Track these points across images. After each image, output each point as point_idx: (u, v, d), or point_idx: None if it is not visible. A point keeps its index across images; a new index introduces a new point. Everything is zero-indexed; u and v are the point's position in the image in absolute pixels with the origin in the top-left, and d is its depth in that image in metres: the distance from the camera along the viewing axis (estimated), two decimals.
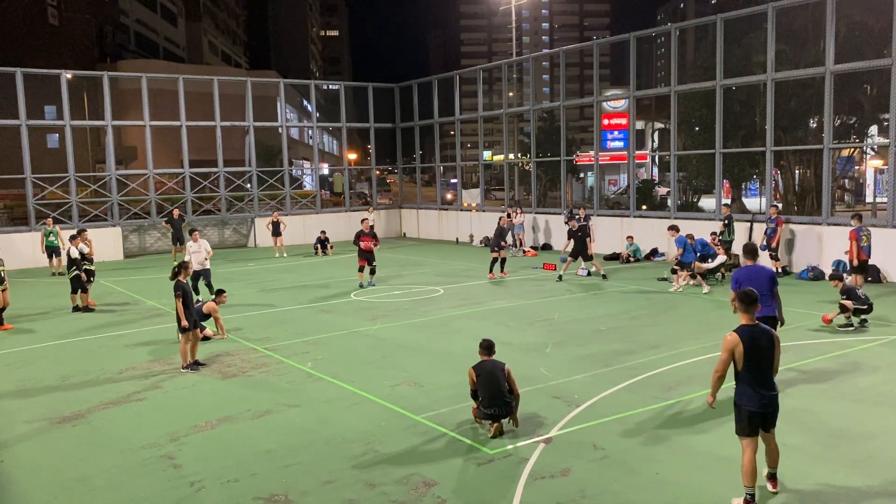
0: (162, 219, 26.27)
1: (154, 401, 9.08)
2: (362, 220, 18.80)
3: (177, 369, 10.43)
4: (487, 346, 7.66)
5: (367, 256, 17.52)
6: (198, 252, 15.74)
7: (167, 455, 7.22)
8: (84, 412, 8.67)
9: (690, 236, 16.69)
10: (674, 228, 16.84)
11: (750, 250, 8.73)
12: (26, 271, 23.12)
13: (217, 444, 7.50)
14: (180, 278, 10.47)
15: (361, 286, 17.61)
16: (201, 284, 15.90)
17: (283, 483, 6.48)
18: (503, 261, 18.84)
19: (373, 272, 17.91)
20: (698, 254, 16.65)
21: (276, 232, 25.33)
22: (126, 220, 26.91)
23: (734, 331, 5.75)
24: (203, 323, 12.16)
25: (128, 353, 11.60)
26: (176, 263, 10.86)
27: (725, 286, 16.64)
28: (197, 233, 16.20)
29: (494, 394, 7.37)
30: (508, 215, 22.37)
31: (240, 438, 7.64)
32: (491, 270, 18.74)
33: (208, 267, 15.98)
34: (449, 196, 38.66)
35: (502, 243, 18.89)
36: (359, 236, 17.63)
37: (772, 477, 6.10)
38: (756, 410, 5.74)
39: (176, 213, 24.75)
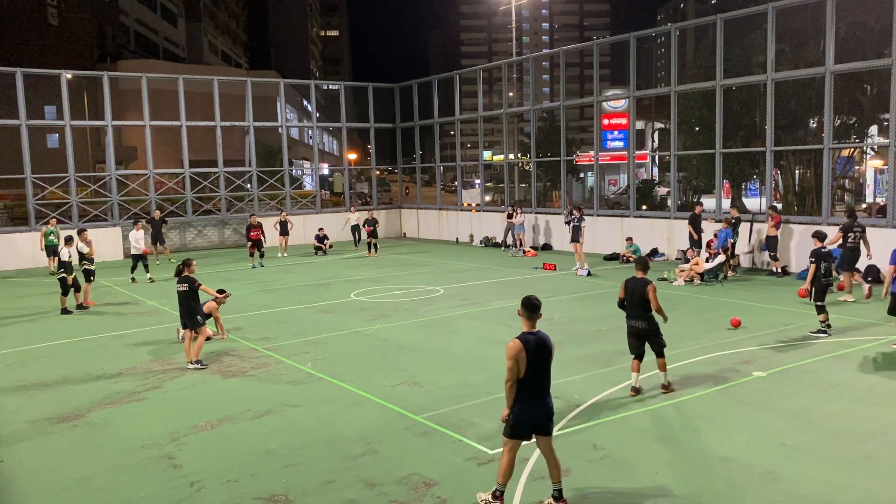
0: (141, 220, 26.06)
1: (154, 401, 9.08)
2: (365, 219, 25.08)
3: (177, 369, 10.43)
4: (643, 263, 8.63)
5: (256, 244, 22.54)
6: (138, 240, 19.37)
7: (167, 455, 7.22)
8: (84, 412, 8.67)
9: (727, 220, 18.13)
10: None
11: None
12: (26, 271, 23.14)
13: (217, 444, 7.50)
14: (185, 273, 10.48)
15: (253, 267, 22.24)
16: (140, 264, 19.53)
17: (283, 483, 6.48)
18: (376, 245, 25.46)
19: (262, 255, 22.76)
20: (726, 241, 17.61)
21: (284, 231, 25.34)
22: (126, 220, 26.87)
23: (517, 338, 5.56)
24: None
25: (128, 353, 11.60)
26: (179, 262, 10.87)
27: (726, 287, 16.66)
28: (140, 223, 20.14)
29: (635, 307, 8.48)
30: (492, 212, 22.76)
31: (240, 438, 7.64)
32: (356, 244, 26.65)
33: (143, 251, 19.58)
34: (467, 198, 36.56)
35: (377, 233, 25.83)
36: (249, 228, 22.77)
37: (558, 497, 5.70)
38: (533, 422, 5.62)
39: (157, 214, 24.74)
